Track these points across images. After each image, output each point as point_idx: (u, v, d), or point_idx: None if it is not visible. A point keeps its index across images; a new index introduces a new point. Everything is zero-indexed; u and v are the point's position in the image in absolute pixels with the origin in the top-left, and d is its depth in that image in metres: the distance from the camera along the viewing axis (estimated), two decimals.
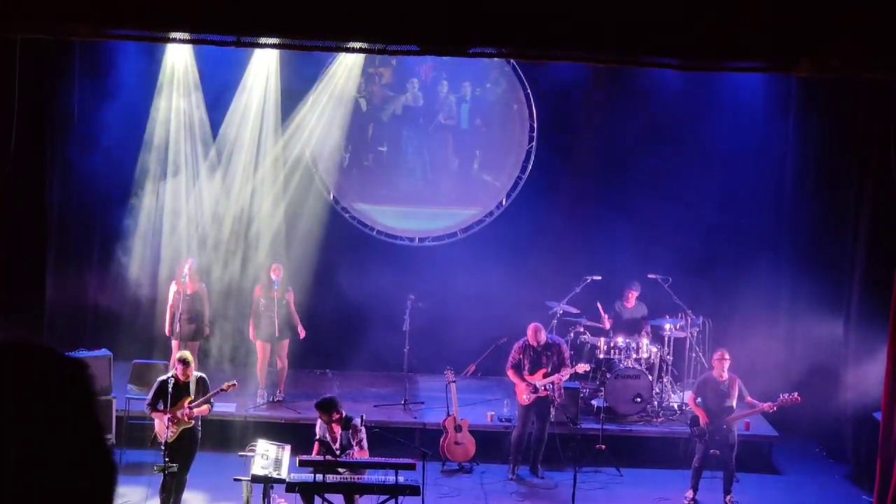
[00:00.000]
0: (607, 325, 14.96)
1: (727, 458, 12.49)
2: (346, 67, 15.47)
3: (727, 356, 12.51)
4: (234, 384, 11.71)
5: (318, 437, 11.41)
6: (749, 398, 12.51)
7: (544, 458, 13.45)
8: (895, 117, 11.97)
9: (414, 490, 10.71)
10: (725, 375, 12.48)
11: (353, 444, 11.06)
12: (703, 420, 12.50)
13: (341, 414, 11.19)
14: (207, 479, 12.03)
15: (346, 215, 16.23)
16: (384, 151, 16.29)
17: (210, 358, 14.52)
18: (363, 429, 11.19)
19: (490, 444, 13.77)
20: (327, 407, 11.19)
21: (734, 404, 12.47)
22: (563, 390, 13.63)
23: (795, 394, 12.35)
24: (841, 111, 14.42)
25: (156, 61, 15.04)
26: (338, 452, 11.08)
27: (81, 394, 2.04)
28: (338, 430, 11.17)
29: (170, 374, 11.34)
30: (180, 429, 11.23)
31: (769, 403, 12.40)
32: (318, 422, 11.44)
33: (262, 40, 11.61)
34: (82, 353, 12.95)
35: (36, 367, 2.01)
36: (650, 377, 14.46)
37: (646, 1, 9.89)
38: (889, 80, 11.52)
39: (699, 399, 12.60)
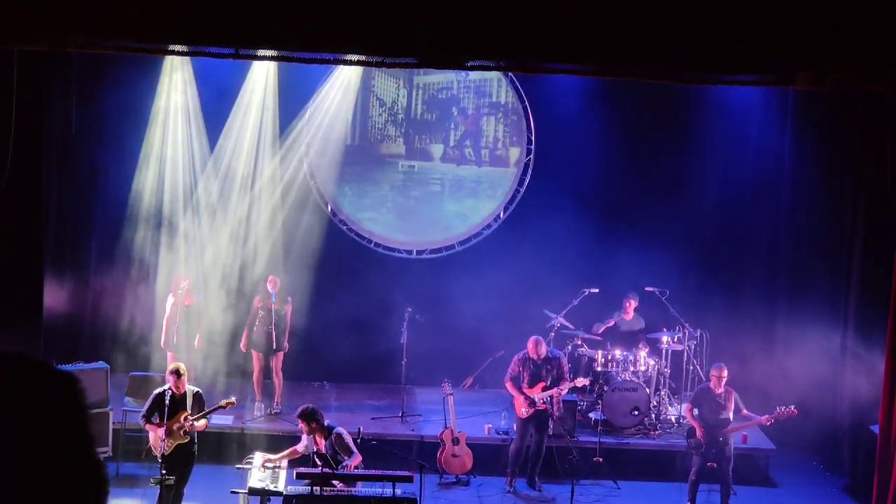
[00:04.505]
0: (600, 330, 14.97)
1: (724, 471, 12.47)
2: (344, 79, 15.51)
3: (725, 373, 12.46)
4: (233, 402, 11.68)
5: (302, 448, 11.46)
6: (745, 411, 12.49)
7: (542, 471, 13.42)
8: (892, 130, 11.97)
9: (411, 502, 10.69)
10: (722, 388, 12.47)
11: (341, 452, 11.04)
12: (699, 432, 12.48)
13: (320, 423, 11.20)
14: (204, 492, 11.99)
15: (344, 227, 16.23)
16: (381, 163, 16.33)
17: (205, 371, 14.50)
18: (346, 434, 11.18)
19: (487, 457, 13.75)
20: (308, 417, 11.20)
21: (730, 416, 12.46)
22: (561, 404, 13.62)
23: (792, 406, 12.33)
24: (837, 124, 14.45)
25: (154, 73, 15.06)
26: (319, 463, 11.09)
27: (72, 407, 2.04)
28: (321, 440, 11.17)
29: (166, 387, 11.30)
30: (175, 442, 11.20)
31: (766, 416, 12.38)
32: (303, 435, 11.46)
33: (261, 53, 11.63)
34: (79, 366, 12.94)
35: (27, 380, 2.01)
36: (647, 390, 14.46)
37: (642, 14, 9.90)
38: (885, 94, 11.53)
39: (696, 410, 12.58)
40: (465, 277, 15.64)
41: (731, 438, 12.62)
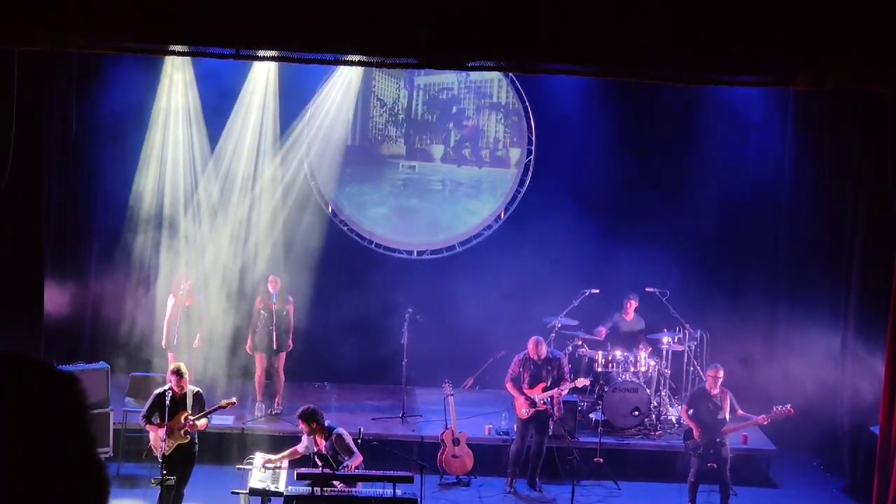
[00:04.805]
0: (602, 336, 14.98)
1: (722, 472, 12.46)
2: (345, 80, 15.51)
3: (721, 373, 12.49)
4: (234, 402, 11.68)
5: (302, 449, 11.47)
6: (740, 411, 12.50)
7: (542, 472, 13.42)
8: (892, 130, 11.98)
9: (411, 503, 10.69)
10: (718, 388, 12.47)
11: (341, 452, 11.04)
12: (696, 433, 12.48)
13: (320, 424, 11.21)
14: (204, 492, 11.99)
15: (345, 228, 16.23)
16: (384, 164, 16.34)
17: (206, 371, 14.49)
18: (347, 434, 11.19)
19: (488, 458, 13.75)
20: (309, 417, 11.21)
21: (727, 417, 12.47)
22: (561, 404, 13.62)
23: (788, 406, 12.33)
24: (837, 124, 14.45)
25: (155, 73, 15.06)
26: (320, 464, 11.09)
27: (73, 407, 2.04)
28: (321, 441, 11.18)
29: (166, 387, 11.30)
30: (176, 442, 11.20)
31: (763, 416, 12.39)
32: (304, 436, 11.47)
33: (261, 53, 11.62)
34: (80, 366, 12.94)
35: (27, 380, 2.01)
36: (648, 391, 14.46)
37: (642, 14, 9.89)
38: (885, 94, 11.53)
39: (692, 411, 12.58)
40: (465, 278, 15.65)
41: (728, 439, 12.61)
